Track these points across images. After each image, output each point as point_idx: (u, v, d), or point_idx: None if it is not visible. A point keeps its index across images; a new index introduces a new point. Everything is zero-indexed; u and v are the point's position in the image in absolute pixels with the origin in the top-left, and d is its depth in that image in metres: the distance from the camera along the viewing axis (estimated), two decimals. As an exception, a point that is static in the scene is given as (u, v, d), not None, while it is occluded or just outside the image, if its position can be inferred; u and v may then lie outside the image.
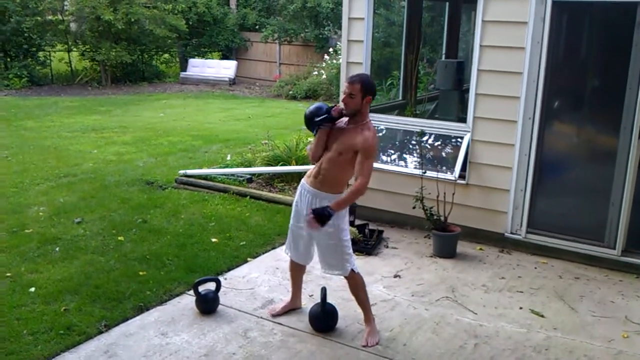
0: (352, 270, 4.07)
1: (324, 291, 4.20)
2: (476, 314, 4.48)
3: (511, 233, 5.73)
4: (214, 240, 5.84)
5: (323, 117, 3.91)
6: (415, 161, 6.12)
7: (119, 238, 5.85)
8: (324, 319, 4.23)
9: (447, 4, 8.89)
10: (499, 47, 5.53)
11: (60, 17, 20.03)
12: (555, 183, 5.70)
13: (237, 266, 5.30)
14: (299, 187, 4.15)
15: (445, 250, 5.58)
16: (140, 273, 5.03)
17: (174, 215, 6.55)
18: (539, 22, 5.27)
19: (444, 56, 8.91)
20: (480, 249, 5.77)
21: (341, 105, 3.98)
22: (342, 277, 4.14)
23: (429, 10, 9.80)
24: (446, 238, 5.59)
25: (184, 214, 6.61)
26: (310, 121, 3.97)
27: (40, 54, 19.91)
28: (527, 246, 5.67)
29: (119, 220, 6.37)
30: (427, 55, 10.16)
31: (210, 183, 7.67)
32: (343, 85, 3.81)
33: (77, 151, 9.87)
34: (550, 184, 5.68)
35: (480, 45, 5.61)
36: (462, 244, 5.71)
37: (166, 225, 6.25)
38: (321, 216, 3.76)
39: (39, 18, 19.15)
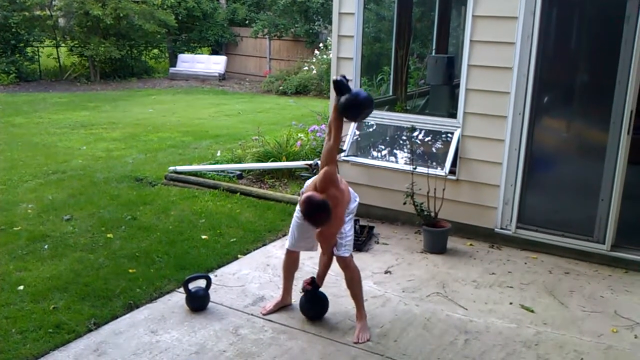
0: (351, 256, 4.10)
1: (314, 279, 4.22)
2: (466, 309, 4.48)
3: (501, 228, 5.74)
4: (204, 237, 5.81)
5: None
6: (405, 157, 6.12)
7: (108, 235, 5.81)
8: (314, 304, 4.24)
9: (437, -1, 8.87)
10: (489, 42, 5.52)
11: (48, 13, 19.88)
12: (545, 178, 5.71)
13: (228, 263, 5.27)
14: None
15: (436, 246, 5.59)
16: (130, 270, 5.00)
17: (163, 212, 6.51)
18: (529, 17, 5.26)
19: (434, 51, 8.90)
20: (471, 244, 5.78)
21: None
22: (337, 271, 4.14)
23: (419, 5, 9.79)
24: (436, 234, 5.59)
25: (174, 210, 6.58)
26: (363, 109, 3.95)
27: (28, 49, 19.76)
28: (517, 241, 5.68)
29: (108, 217, 6.33)
30: (417, 51, 10.15)
31: (200, 179, 7.64)
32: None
33: (66, 148, 9.80)
34: (540, 179, 5.69)
35: (471, 40, 5.60)
36: (452, 240, 5.72)
37: (156, 222, 6.22)
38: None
39: (26, 13, 19.00)
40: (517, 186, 5.59)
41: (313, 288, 4.26)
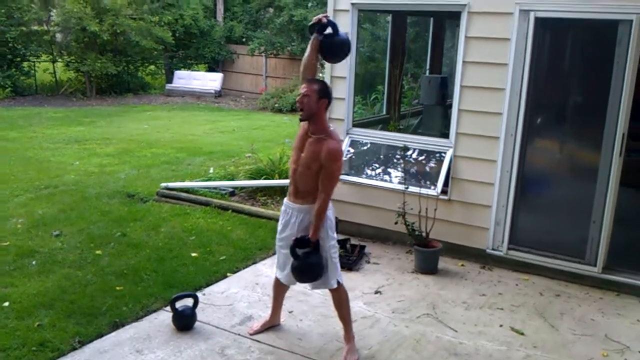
0: (338, 281, 4.03)
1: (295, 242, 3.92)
2: (456, 331, 4.44)
3: (492, 249, 5.71)
4: (193, 254, 5.77)
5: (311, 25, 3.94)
6: (398, 176, 6.10)
7: (97, 252, 5.76)
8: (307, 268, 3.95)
9: (432, 19, 8.92)
10: (482, 63, 5.54)
11: (45, 28, 19.93)
12: (537, 199, 5.69)
13: (217, 281, 5.22)
14: (283, 208, 4.11)
15: (427, 266, 5.55)
16: (117, 288, 4.95)
17: (154, 229, 6.47)
18: (522, 39, 5.29)
19: (427, 71, 8.93)
20: (462, 265, 5.75)
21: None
22: (325, 291, 4.09)
23: (414, 26, 9.85)
24: (428, 254, 5.56)
25: (164, 227, 6.54)
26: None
27: (25, 64, 19.75)
28: (509, 262, 5.65)
29: (98, 234, 6.28)
30: (411, 71, 10.20)
31: (192, 196, 7.60)
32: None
33: (59, 162, 9.77)
34: (532, 200, 5.67)
35: (464, 61, 5.62)
36: (443, 260, 5.68)
37: (146, 238, 6.17)
38: (305, 247, 3.85)
39: (24, 28, 19.03)
40: (508, 207, 5.57)
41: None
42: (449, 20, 8.98)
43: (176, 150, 11.16)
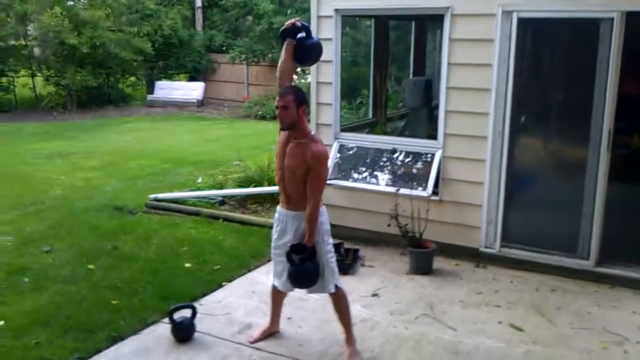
0: (337, 286, 4.03)
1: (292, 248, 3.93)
2: (455, 330, 4.46)
3: (486, 247, 5.75)
4: (187, 265, 5.75)
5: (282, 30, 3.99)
6: (388, 179, 6.13)
7: (90, 266, 5.71)
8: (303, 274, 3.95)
9: (414, 23, 8.98)
10: (466, 64, 5.60)
11: (23, 42, 19.75)
12: (527, 196, 5.75)
13: (213, 291, 5.20)
14: (276, 216, 4.13)
15: (422, 267, 5.58)
16: (113, 302, 4.91)
17: (145, 241, 6.43)
18: (506, 39, 5.35)
19: (411, 74, 8.99)
20: (456, 264, 5.78)
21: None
22: (323, 296, 4.10)
23: (396, 29, 9.89)
24: (422, 255, 5.59)
25: (156, 239, 6.50)
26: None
27: (3, 79, 19.53)
28: (502, 260, 5.69)
29: (89, 248, 6.23)
30: (394, 74, 10.25)
31: (182, 206, 7.58)
32: (276, 102, 3.84)
33: (44, 178, 9.68)
34: (522, 198, 5.73)
35: (448, 63, 5.67)
36: (438, 260, 5.71)
37: (137, 251, 6.13)
38: (300, 253, 3.86)
39: (1, 44, 18.84)
40: (499, 205, 5.62)
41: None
42: (430, 23, 9.05)
43: (162, 161, 11.10)
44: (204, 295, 5.11)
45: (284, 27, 4.01)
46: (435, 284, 5.34)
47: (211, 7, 24.79)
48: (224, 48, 22.93)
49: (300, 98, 3.82)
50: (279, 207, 4.09)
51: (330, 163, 6.23)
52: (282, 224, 4.04)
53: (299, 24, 4.00)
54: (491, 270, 5.64)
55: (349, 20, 9.32)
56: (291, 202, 3.96)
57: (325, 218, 4.01)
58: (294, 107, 3.77)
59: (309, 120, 5.91)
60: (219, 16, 24.39)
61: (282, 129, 3.88)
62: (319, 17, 6.22)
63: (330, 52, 6.19)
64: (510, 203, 5.62)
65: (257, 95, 20.17)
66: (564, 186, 5.65)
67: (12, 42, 19.75)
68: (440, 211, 5.82)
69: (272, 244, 4.15)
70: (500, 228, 5.65)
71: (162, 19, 22.00)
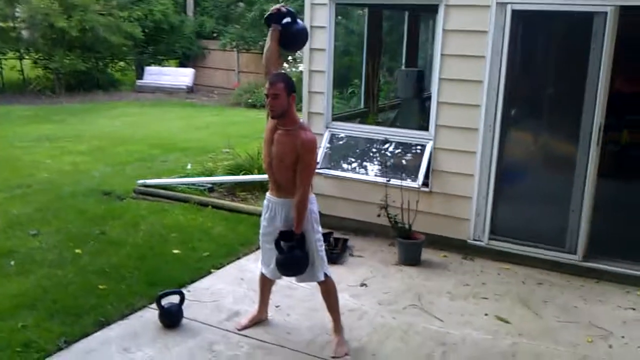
0: (325, 274, 4.04)
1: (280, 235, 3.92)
2: (443, 321, 4.48)
3: (474, 240, 5.77)
4: (175, 251, 5.72)
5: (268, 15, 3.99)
6: (378, 169, 6.12)
7: (77, 250, 5.67)
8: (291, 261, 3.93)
9: (407, 13, 8.96)
10: (459, 55, 5.59)
11: (11, 24, 19.50)
12: (516, 190, 5.77)
13: (201, 278, 5.19)
14: (265, 203, 4.11)
15: (410, 258, 5.59)
16: (100, 287, 4.88)
17: (133, 227, 6.39)
18: (499, 31, 5.34)
19: (403, 65, 8.98)
20: (444, 256, 5.80)
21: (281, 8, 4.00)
22: (311, 285, 4.10)
23: (389, 20, 9.88)
24: (411, 246, 5.60)
25: (144, 225, 6.46)
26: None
27: (-9, 62, 19.33)
28: (490, 252, 5.71)
29: (76, 232, 6.19)
30: (386, 65, 10.24)
31: (171, 193, 7.53)
32: (265, 89, 3.80)
33: (31, 161, 9.59)
34: (511, 191, 5.74)
35: (441, 54, 5.66)
36: (426, 252, 5.72)
37: (125, 236, 6.09)
38: (289, 240, 3.85)
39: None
40: (489, 198, 5.63)
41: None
42: (424, 13, 9.05)
43: (150, 147, 11.03)
44: (192, 282, 5.09)
45: (269, 13, 4.00)
46: (423, 275, 5.36)
47: (203, -8, 24.63)
48: (215, 35, 22.78)
49: (290, 86, 3.80)
50: (268, 194, 4.08)
51: (321, 152, 6.22)
52: (271, 211, 4.03)
53: (284, 9, 3.98)
54: (479, 262, 5.67)
55: (342, 8, 9.29)
56: (280, 189, 3.94)
57: (314, 206, 4.00)
58: (284, 95, 3.75)
59: (299, 109, 5.89)
60: (210, 2, 24.21)
61: (272, 117, 3.86)
62: (312, 4, 6.19)
63: (324, 40, 6.17)
64: (500, 196, 5.64)
65: (247, 83, 20.07)
66: (553, 180, 5.67)
67: (0, 24, 19.47)
68: (430, 202, 5.83)
69: (261, 231, 4.14)
70: (489, 221, 5.67)
71: (152, 3, 21.81)
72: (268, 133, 3.93)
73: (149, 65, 22.30)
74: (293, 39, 4.11)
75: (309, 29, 6.18)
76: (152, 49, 22.94)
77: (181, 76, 21.41)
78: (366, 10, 8.13)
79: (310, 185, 3.91)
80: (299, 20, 4.10)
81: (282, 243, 3.88)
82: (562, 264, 5.45)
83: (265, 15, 4.06)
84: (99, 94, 19.80)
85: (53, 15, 17.95)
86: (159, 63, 23.07)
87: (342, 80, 10.21)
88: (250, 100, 18.17)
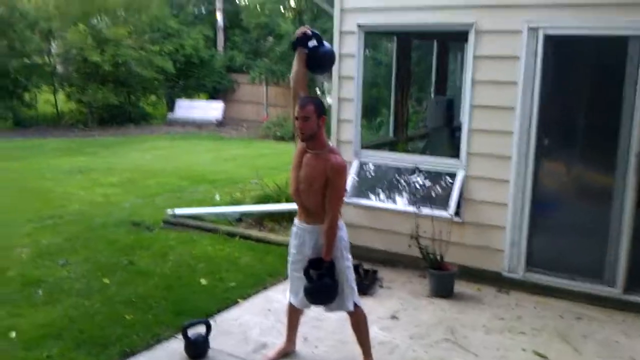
0: (355, 304, 3.92)
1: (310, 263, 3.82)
2: (478, 356, 4.31)
3: (508, 272, 5.59)
4: (203, 281, 5.65)
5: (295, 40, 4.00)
6: (408, 198, 6.00)
7: (105, 280, 5.64)
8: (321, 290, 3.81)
9: (436, 42, 8.92)
10: (491, 82, 5.50)
11: (47, 59, 19.99)
12: (552, 220, 5.58)
13: (228, 308, 5.10)
14: (294, 230, 4.03)
15: (442, 290, 5.43)
16: (126, 317, 4.82)
17: (161, 257, 6.36)
18: (531, 57, 5.25)
19: (432, 94, 8.92)
20: (478, 288, 5.62)
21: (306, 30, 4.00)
22: (340, 316, 3.98)
23: (418, 49, 9.86)
24: (443, 277, 5.45)
25: (172, 255, 6.43)
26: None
27: (26, 95, 19.78)
28: (526, 285, 5.52)
29: (105, 262, 6.18)
30: (415, 95, 10.20)
31: (199, 223, 7.50)
32: (296, 112, 3.77)
33: (63, 193, 9.69)
34: (547, 221, 5.57)
35: (473, 81, 5.58)
36: (458, 284, 5.55)
37: (153, 266, 6.06)
38: (318, 268, 3.75)
39: (26, 60, 19.06)
40: (523, 228, 5.47)
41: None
42: (452, 43, 9.00)
43: (180, 179, 11.08)
44: (219, 312, 5.01)
45: (295, 37, 3.96)
46: (456, 308, 5.19)
47: (233, 27, 24.99)
48: (244, 68, 23.05)
49: (320, 109, 3.77)
50: (296, 221, 4.00)
51: (350, 180, 6.14)
52: (299, 238, 3.95)
53: (309, 31, 3.98)
54: (514, 295, 5.48)
55: (371, 39, 9.30)
56: (309, 215, 3.86)
57: (344, 233, 3.91)
58: (314, 117, 3.71)
59: (328, 136, 5.84)
60: (240, 37, 24.57)
61: (302, 140, 3.81)
62: (341, 32, 6.18)
63: (353, 68, 6.15)
64: (535, 226, 5.48)
65: (276, 116, 20.20)
66: (590, 210, 5.50)
67: (37, 61, 19.92)
68: (462, 233, 5.69)
69: (290, 259, 4.05)
70: (524, 252, 5.50)
71: (184, 38, 22.21)
72: (296, 157, 3.87)
73: (179, 98, 22.59)
74: (320, 61, 4.09)
75: (337, 57, 6.18)
76: (182, 82, 23.28)
77: (211, 109, 21.63)
78: (395, 40, 8.11)
79: (340, 211, 3.82)
80: (325, 43, 4.07)
81: (311, 271, 3.78)
82: (601, 298, 5.23)
83: (291, 40, 4.04)
84: (131, 127, 20.09)
85: (87, 50, 18.36)
86: (190, 96, 23.37)
87: (370, 111, 10.17)
88: (278, 133, 18.25)
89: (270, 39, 23.05)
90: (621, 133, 5.02)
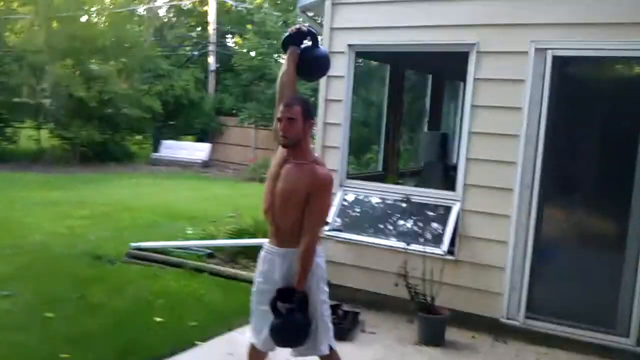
0: (330, 347, 3.29)
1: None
2: (473, 414, 3.63)
3: (508, 318, 4.97)
4: (159, 319, 4.99)
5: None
6: (397, 233, 5.39)
7: (48, 314, 5.00)
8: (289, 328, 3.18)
9: (430, 76, 8.54)
10: (492, 107, 5.01)
11: (32, 94, 19.52)
12: (558, 262, 5.01)
13: (183, 350, 4.44)
14: (262, 254, 3.41)
15: (432, 337, 4.78)
16: (62, 356, 4.13)
17: (117, 291, 5.72)
18: (538, 80, 4.76)
19: (426, 127, 8.49)
20: (473, 336, 4.97)
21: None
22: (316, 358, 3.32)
23: (412, 85, 9.47)
24: (433, 322, 4.80)
25: (130, 289, 5.80)
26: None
27: (8, 129, 19.25)
28: (526, 334, 4.90)
29: (54, 295, 5.56)
30: (407, 131, 9.76)
31: (165, 257, 6.88)
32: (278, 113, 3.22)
33: (29, 223, 9.07)
34: (552, 263, 5.00)
35: (472, 105, 5.08)
36: (451, 330, 4.91)
37: (106, 301, 5.43)
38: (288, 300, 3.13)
39: (16, 99, 18.61)
40: (525, 269, 4.88)
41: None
42: (449, 80, 8.63)
43: (155, 215, 10.45)
44: (172, 354, 4.33)
45: (287, 33, 3.44)
46: (447, 358, 4.54)
47: (225, 71, 24.80)
48: (234, 111, 22.74)
49: (308, 111, 3.24)
50: (265, 244, 3.37)
51: (333, 212, 5.54)
52: (268, 263, 3.31)
53: (304, 28, 3.46)
54: (513, 345, 4.85)
55: (361, 71, 8.89)
56: (281, 236, 3.25)
57: (321, 260, 3.28)
58: (301, 120, 3.17)
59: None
60: (231, 80, 24.35)
61: (283, 146, 3.23)
62: (330, 52, 5.64)
63: (341, 90, 5.65)
64: (538, 268, 4.89)
65: (263, 158, 19.72)
66: (600, 253, 4.94)
67: (25, 99, 19.34)
68: (456, 273, 5.08)
69: (253, 289, 3.39)
70: (526, 296, 4.89)
71: (174, 79, 21.93)
72: (274, 167, 3.29)
73: (166, 139, 22.14)
74: (312, 64, 3.57)
75: (325, 79, 5.69)
76: (170, 123, 22.87)
77: (197, 150, 21.26)
78: (388, 70, 7.67)
79: (319, 234, 3.20)
80: (320, 45, 3.55)
81: (279, 304, 3.13)
82: (612, 349, 4.63)
83: (283, 39, 3.50)
84: (113, 165, 19.55)
85: (73, 85, 17.94)
86: (177, 138, 22.92)
87: (359, 149, 9.69)
88: (264, 175, 17.68)
89: (262, 84, 22.72)
90: (637, 163, 4.49)
